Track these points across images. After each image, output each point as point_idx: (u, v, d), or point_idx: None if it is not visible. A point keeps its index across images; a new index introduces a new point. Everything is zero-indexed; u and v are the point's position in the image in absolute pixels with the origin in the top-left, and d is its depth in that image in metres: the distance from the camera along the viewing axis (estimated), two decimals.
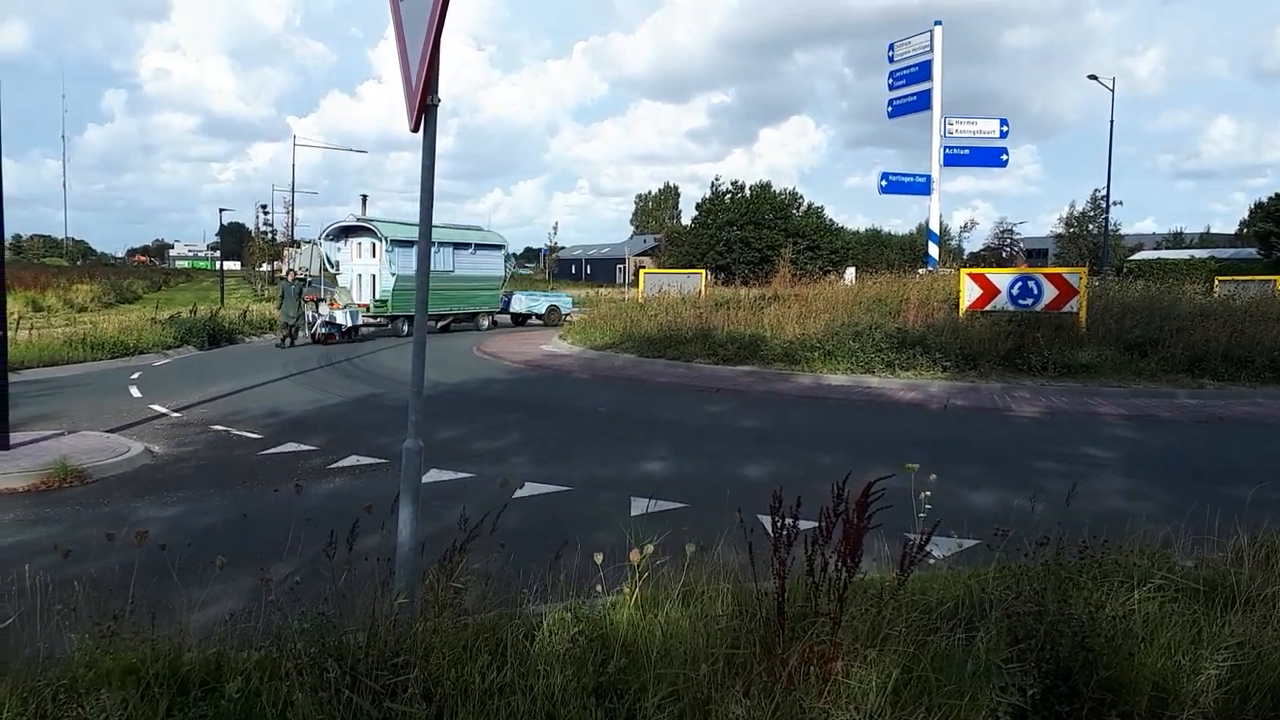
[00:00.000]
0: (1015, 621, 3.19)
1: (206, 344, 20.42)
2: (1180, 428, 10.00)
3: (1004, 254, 65.00)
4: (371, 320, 23.91)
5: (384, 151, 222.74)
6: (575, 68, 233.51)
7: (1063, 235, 64.79)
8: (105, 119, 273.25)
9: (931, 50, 20.22)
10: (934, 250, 21.63)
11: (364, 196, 26.97)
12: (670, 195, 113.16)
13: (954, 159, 20.97)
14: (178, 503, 6.62)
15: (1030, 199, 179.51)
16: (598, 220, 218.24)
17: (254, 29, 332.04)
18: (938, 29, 20.17)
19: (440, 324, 25.04)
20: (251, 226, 75.85)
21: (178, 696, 2.90)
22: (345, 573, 3.27)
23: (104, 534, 4.30)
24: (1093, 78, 37.76)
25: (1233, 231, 66.19)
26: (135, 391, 12.74)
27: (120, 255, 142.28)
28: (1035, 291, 14.67)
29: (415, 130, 3.64)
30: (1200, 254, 52.15)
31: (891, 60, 21.54)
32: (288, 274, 22.28)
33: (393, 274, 22.77)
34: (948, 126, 20.58)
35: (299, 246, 30.63)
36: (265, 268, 64.95)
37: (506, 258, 27.79)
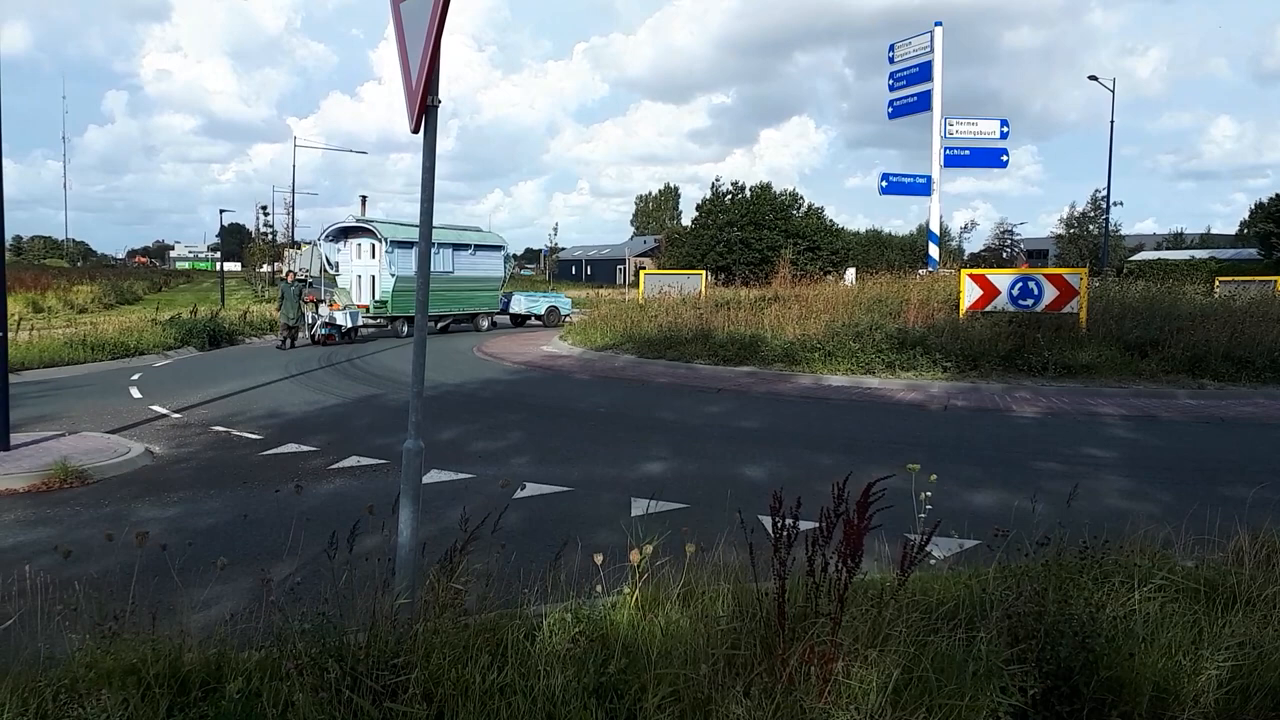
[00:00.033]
0: (1016, 622, 3.19)
1: (207, 345, 20.44)
2: (1181, 428, 10.00)
3: (1004, 254, 65.10)
4: (371, 321, 23.90)
5: (384, 152, 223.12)
6: (576, 68, 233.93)
7: (1063, 236, 64.84)
8: (106, 120, 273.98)
9: (932, 51, 20.24)
10: (934, 251, 21.63)
11: (363, 197, 27.01)
12: (670, 196, 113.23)
13: (954, 160, 20.99)
14: (178, 503, 6.62)
15: (1031, 200, 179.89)
16: (598, 221, 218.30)
17: (255, 30, 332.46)
18: (938, 30, 20.19)
19: (440, 325, 25.03)
20: (252, 227, 75.89)
21: (178, 697, 2.90)
22: (346, 573, 3.28)
23: (104, 535, 4.31)
24: (1093, 78, 37.85)
25: (1233, 232, 66.14)
26: (135, 392, 12.74)
27: (121, 256, 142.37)
28: (1035, 292, 14.67)
29: (416, 131, 3.64)
30: (1201, 254, 52.15)
31: (892, 61, 21.57)
32: (287, 275, 22.29)
33: (392, 275, 22.76)
34: (948, 127, 20.59)
35: (299, 248, 30.64)
36: (265, 269, 64.94)
37: (506, 259, 27.79)
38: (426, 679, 2.85)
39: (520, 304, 29.81)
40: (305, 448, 8.61)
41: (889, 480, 2.98)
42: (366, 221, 23.70)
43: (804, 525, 3.05)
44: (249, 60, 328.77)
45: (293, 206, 57.60)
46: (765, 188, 64.36)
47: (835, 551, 2.91)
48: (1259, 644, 3.17)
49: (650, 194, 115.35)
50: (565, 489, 6.94)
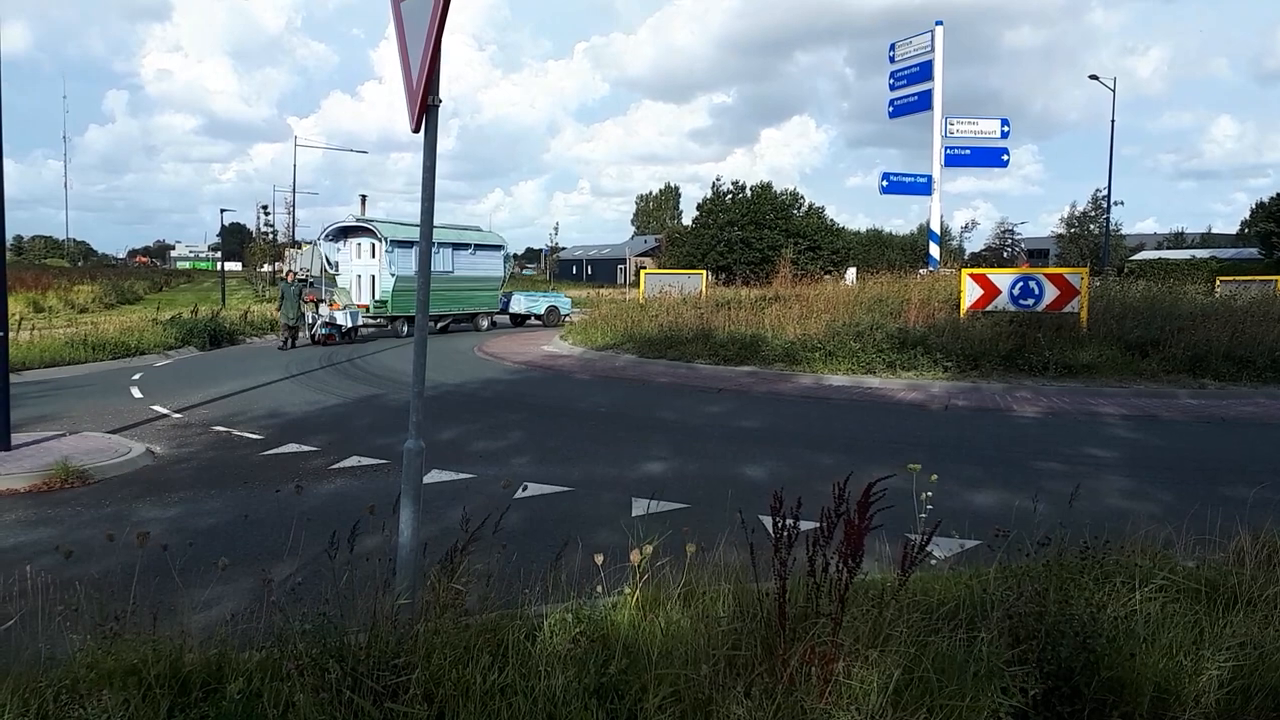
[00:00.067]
0: (1017, 622, 3.18)
1: (208, 345, 20.44)
2: (1182, 428, 9.99)
3: (1005, 254, 65.08)
4: (371, 321, 23.89)
5: (385, 152, 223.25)
6: (576, 68, 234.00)
7: (1064, 235, 64.80)
8: (107, 120, 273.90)
9: (932, 50, 20.22)
10: (935, 250, 21.62)
11: (363, 197, 26.97)
12: (671, 195, 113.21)
13: (955, 159, 20.97)
14: (179, 503, 6.63)
15: (1031, 199, 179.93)
16: (599, 221, 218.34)
17: (255, 30, 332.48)
18: (938, 29, 20.17)
19: (439, 325, 25.02)
20: (253, 227, 76.01)
21: (179, 697, 2.90)
22: (346, 573, 3.28)
23: (105, 535, 4.31)
24: (1094, 78, 37.84)
25: (1234, 232, 66.10)
26: (136, 392, 12.75)
27: (121, 256, 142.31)
28: (1036, 292, 14.66)
29: (416, 131, 3.64)
30: (1201, 254, 52.11)
31: (892, 60, 21.55)
32: (287, 274, 22.29)
33: (392, 274, 22.74)
34: (949, 127, 20.58)
35: (300, 248, 30.65)
36: (266, 268, 65.01)
37: (506, 258, 27.79)
38: (427, 679, 2.85)
39: (520, 304, 29.82)
40: (306, 448, 8.61)
41: (890, 480, 2.98)
42: (366, 221, 23.68)
43: (805, 525, 3.05)
44: (250, 60, 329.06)
45: (293, 206, 57.72)
46: (766, 187, 64.33)
47: (836, 552, 2.91)
48: (1260, 644, 3.17)
49: (651, 193, 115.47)
50: (566, 489, 6.94)
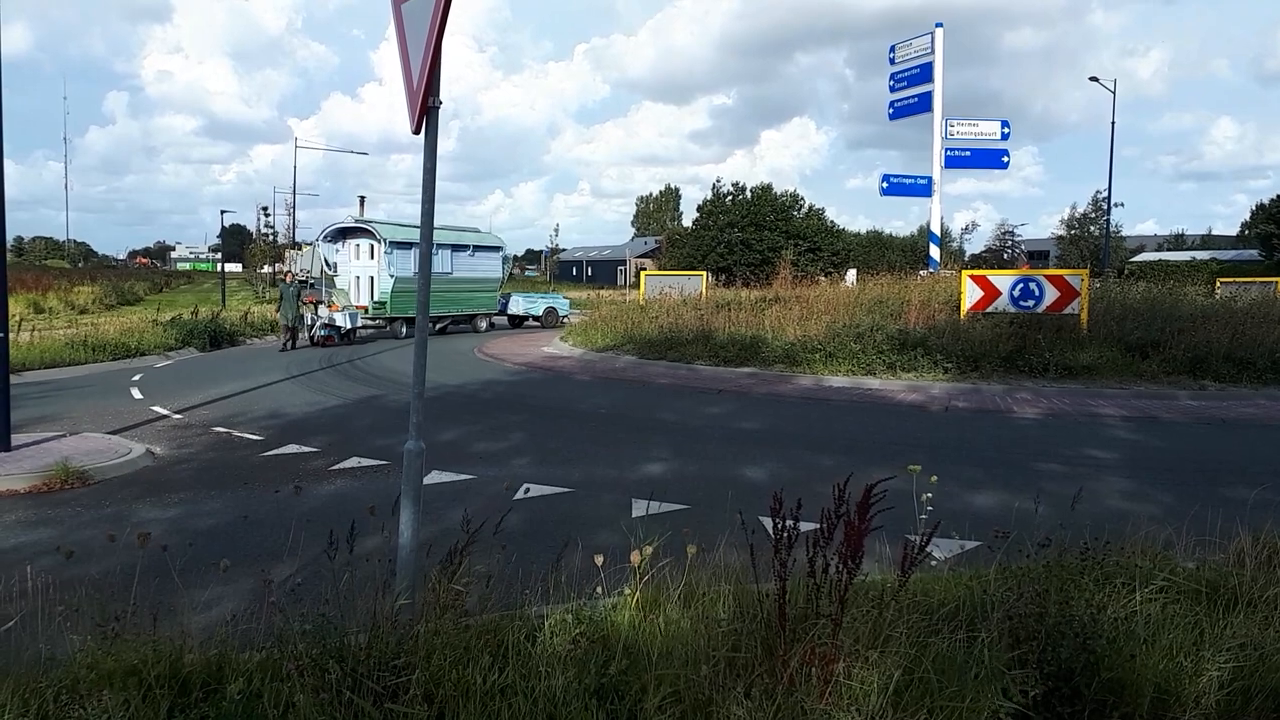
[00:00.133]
0: (1017, 623, 3.18)
1: (208, 346, 20.45)
2: (1182, 429, 9.99)
3: (1005, 255, 65.08)
4: (370, 322, 23.89)
5: (385, 153, 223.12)
6: (576, 69, 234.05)
7: (1064, 237, 64.84)
8: (107, 121, 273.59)
9: (932, 52, 20.25)
10: (935, 252, 21.64)
11: (361, 198, 27.00)
12: (671, 197, 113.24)
13: (955, 161, 20.99)
14: (179, 504, 6.63)
15: (1032, 200, 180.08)
16: (599, 222, 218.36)
17: (256, 31, 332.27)
18: (939, 31, 20.20)
19: (438, 326, 25.02)
20: (253, 228, 76.05)
21: (179, 698, 2.90)
22: (346, 574, 3.28)
23: (105, 535, 4.31)
24: (1094, 79, 37.87)
25: (1234, 233, 66.18)
26: (136, 393, 12.75)
27: (122, 257, 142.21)
28: (1037, 293, 14.67)
29: (417, 132, 3.64)
30: (1202, 255, 52.15)
31: (892, 62, 21.58)
32: (286, 275, 22.29)
33: (391, 275, 22.73)
34: (949, 128, 20.60)
35: (300, 249, 30.66)
36: (266, 269, 65.05)
37: (504, 259, 27.81)
38: (427, 680, 2.85)
39: (518, 305, 29.85)
40: (306, 449, 8.61)
41: (890, 481, 2.98)
42: (365, 222, 23.68)
43: (805, 526, 3.05)
44: (250, 61, 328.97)
45: (293, 207, 57.81)
46: (766, 189, 64.38)
47: (836, 553, 2.91)
48: (1260, 645, 3.17)
49: (651, 195, 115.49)
50: (566, 490, 6.94)
